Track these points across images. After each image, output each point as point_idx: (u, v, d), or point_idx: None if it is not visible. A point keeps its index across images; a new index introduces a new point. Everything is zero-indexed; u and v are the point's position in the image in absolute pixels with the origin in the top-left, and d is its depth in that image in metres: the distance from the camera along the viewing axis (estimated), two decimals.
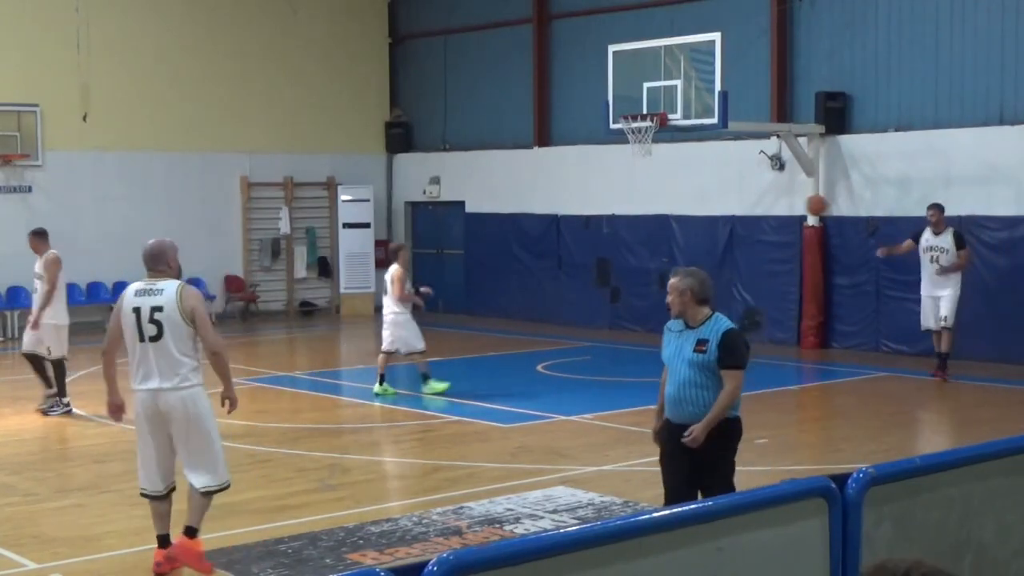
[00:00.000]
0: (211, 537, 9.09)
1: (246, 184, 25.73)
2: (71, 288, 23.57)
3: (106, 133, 23.91)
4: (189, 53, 24.98)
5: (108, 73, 23.92)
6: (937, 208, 16.40)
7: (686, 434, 7.51)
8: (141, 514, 9.86)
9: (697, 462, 7.57)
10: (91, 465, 11.77)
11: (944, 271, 16.14)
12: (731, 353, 7.57)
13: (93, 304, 24.04)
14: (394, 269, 15.95)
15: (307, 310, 26.30)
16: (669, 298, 7.69)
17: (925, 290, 16.47)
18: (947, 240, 16.25)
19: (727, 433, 7.67)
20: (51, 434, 13.33)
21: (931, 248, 16.32)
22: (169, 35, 24.76)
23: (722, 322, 7.69)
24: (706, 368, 7.54)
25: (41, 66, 23.32)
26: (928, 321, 16.52)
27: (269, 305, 26.16)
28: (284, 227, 26.08)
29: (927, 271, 16.41)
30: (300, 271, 26.40)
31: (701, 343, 7.56)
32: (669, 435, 7.77)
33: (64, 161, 23.54)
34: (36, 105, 23.27)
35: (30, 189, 23.38)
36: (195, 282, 24.94)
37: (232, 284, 25.61)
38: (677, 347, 7.70)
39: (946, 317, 16.12)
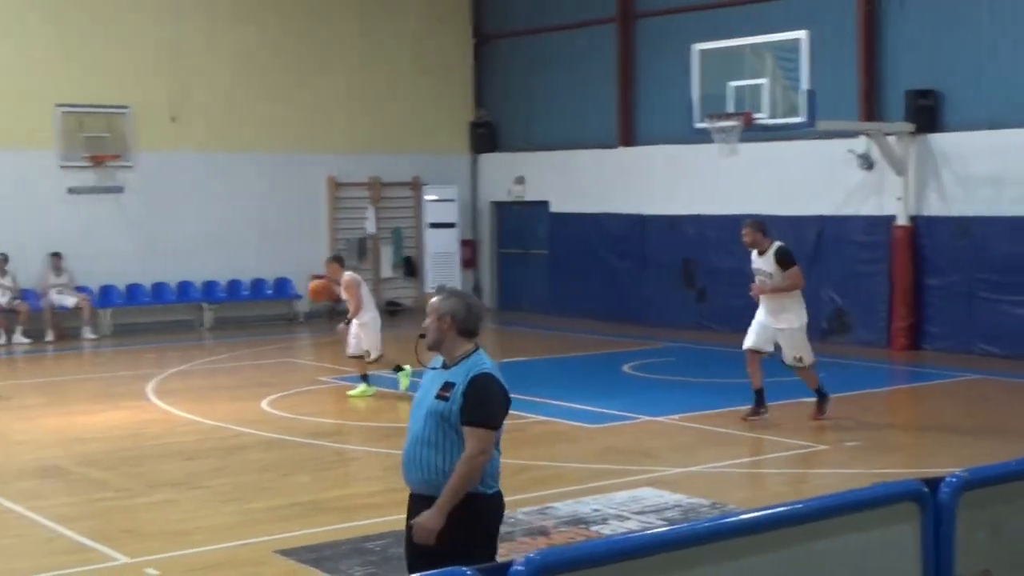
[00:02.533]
0: (299, 534, 9.18)
1: (333, 184, 25.93)
2: (161, 287, 23.99)
3: (195, 134, 24.23)
4: (277, 55, 25.24)
5: (197, 75, 24.23)
6: (752, 225, 13.57)
7: (412, 522, 5.71)
8: (231, 510, 10.01)
9: (429, 551, 5.60)
10: (182, 462, 11.93)
11: (768, 295, 13.32)
12: (476, 405, 5.64)
13: (183, 303, 24.36)
14: (347, 277, 15.75)
15: (393, 309, 26.43)
16: (425, 322, 5.95)
17: (760, 316, 13.54)
18: (769, 261, 13.33)
19: (470, 516, 5.68)
20: (143, 431, 13.53)
21: (756, 272, 13.51)
22: (257, 37, 25.02)
23: (479, 363, 5.77)
24: (445, 421, 5.68)
25: (132, 69, 23.68)
26: (752, 341, 13.53)
27: None
28: (370, 227, 26.25)
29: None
30: (386, 271, 26.55)
31: (447, 387, 5.72)
32: (410, 505, 5.90)
33: (154, 162, 23.88)
34: (127, 107, 23.63)
35: (122, 190, 23.74)
36: (282, 281, 25.28)
37: None
38: (425, 390, 5.90)
39: (799, 358, 13.39)
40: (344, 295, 15.81)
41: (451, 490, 5.59)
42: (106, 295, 23.54)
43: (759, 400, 13.54)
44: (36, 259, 22.57)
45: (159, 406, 15.11)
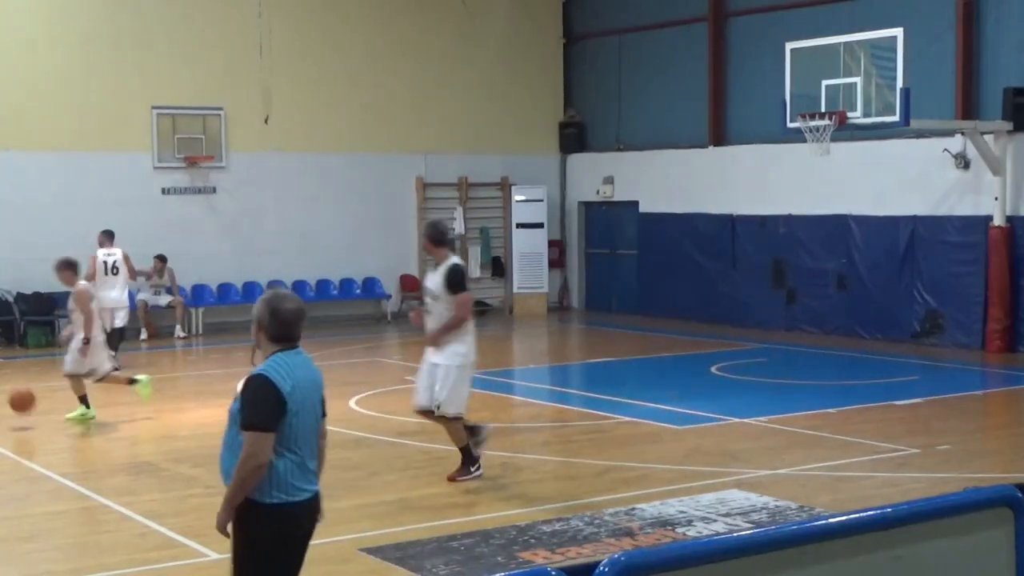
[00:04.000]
0: (385, 532, 9.22)
1: (421, 184, 26.05)
2: (252, 286, 24.25)
3: (286, 135, 24.48)
4: (366, 56, 25.41)
5: (289, 76, 24.47)
6: (429, 235, 10.84)
7: None
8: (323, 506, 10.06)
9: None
10: None
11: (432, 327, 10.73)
12: (244, 406, 5.61)
13: None
14: (82, 287, 14.29)
15: (480, 309, 26.48)
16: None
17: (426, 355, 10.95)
18: (439, 280, 10.61)
19: (245, 521, 5.65)
20: None
21: (425, 291, 11.09)
22: (347, 38, 25.22)
23: (263, 366, 5.73)
24: (235, 421, 5.67)
25: (225, 70, 23.99)
26: (419, 396, 10.88)
27: None
28: (458, 227, 26.33)
29: None
30: (474, 271, 26.62)
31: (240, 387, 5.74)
32: None
33: (246, 163, 24.17)
34: (220, 108, 23.94)
35: (214, 190, 24.05)
36: (371, 281, 25.45)
37: (407, 283, 25.94)
38: None
39: (441, 403, 10.64)
40: (73, 305, 14.17)
41: (227, 492, 5.60)
42: (198, 294, 23.86)
43: (465, 458, 10.93)
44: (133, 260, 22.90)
45: None
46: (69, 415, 14.23)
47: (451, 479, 10.83)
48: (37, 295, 21.89)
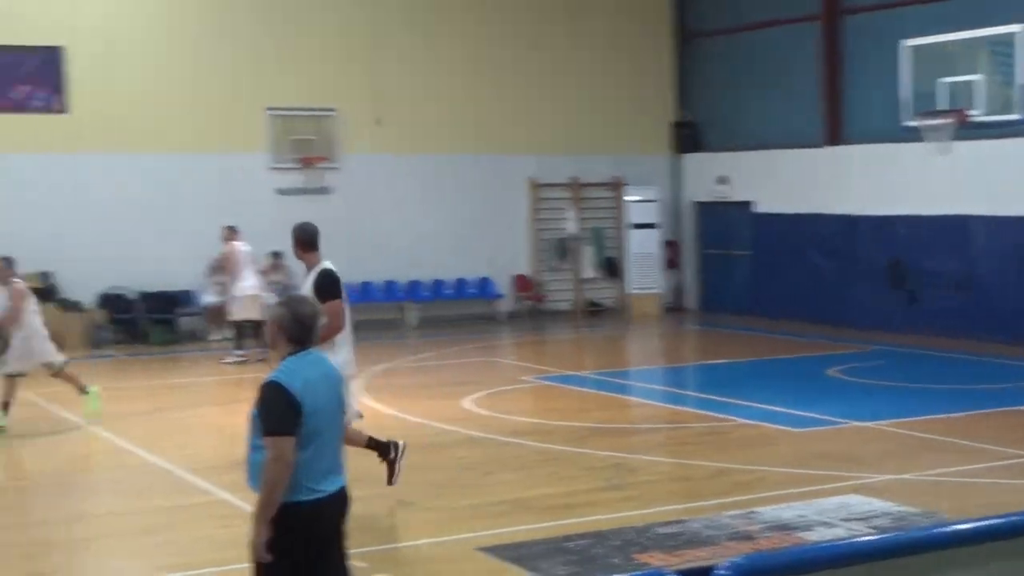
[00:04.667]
0: (500, 532, 9.24)
1: (533, 185, 26.09)
2: (367, 286, 24.49)
3: (399, 136, 24.69)
4: (478, 57, 25.51)
5: (400, 78, 24.69)
6: (298, 238, 10.50)
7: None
8: (435, 506, 10.15)
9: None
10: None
11: None
12: (260, 413, 5.74)
13: (388, 302, 24.84)
14: (20, 286, 14.14)
15: (594, 310, 26.45)
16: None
17: None
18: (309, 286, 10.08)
19: (277, 527, 5.70)
20: (359, 426, 13.82)
21: None
22: (457, 41, 25.35)
23: (275, 371, 5.82)
24: (255, 426, 5.82)
25: (339, 71, 24.27)
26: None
27: (557, 305, 26.45)
28: (571, 227, 26.31)
29: None
30: (587, 271, 26.58)
31: None
32: None
33: (360, 164, 24.42)
34: (333, 109, 24.22)
35: (329, 191, 24.33)
36: (484, 281, 25.54)
37: (520, 284, 26.01)
38: None
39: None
40: (8, 303, 13.89)
41: (259, 502, 5.68)
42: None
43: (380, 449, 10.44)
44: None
45: (365, 403, 15.41)
46: None
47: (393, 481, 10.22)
48: (158, 294, 22.43)
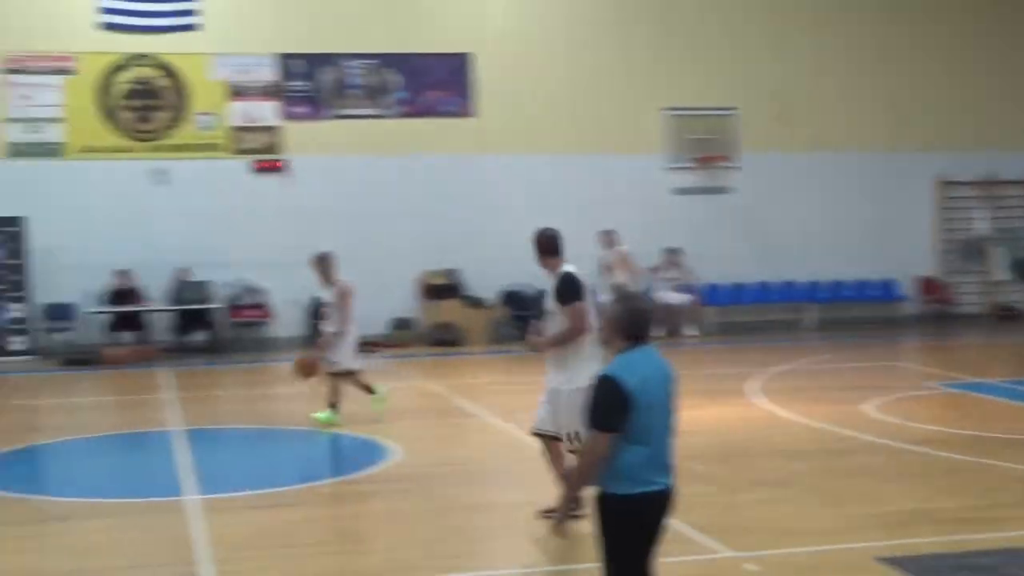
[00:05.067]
0: (900, 543, 8.88)
1: (940, 183, 25.01)
2: (765, 286, 24.21)
3: (799, 133, 24.30)
4: (881, 52, 24.81)
5: (801, 74, 24.26)
6: (539, 243, 9.70)
7: None
8: (831, 513, 9.88)
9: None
10: (783, 461, 11.92)
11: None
12: (587, 406, 5.85)
13: (787, 303, 24.49)
14: (344, 284, 14.19)
15: (1007, 314, 25.07)
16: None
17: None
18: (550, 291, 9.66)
19: (600, 512, 5.88)
20: (746, 428, 13.68)
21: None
22: (858, 33, 24.69)
23: (610, 365, 5.88)
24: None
25: (738, 70, 24.10)
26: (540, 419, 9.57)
27: (965, 308, 25.27)
28: (981, 228, 25.06)
29: None
30: (999, 273, 25.24)
31: None
32: None
33: (759, 162, 24.18)
34: (734, 108, 24.07)
35: (727, 191, 24.21)
36: (888, 283, 24.72)
37: (927, 286, 25.01)
38: None
39: (573, 434, 9.04)
40: (335, 301, 14.13)
41: (570, 482, 6.07)
42: (711, 294, 24.09)
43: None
44: (642, 259, 23.49)
45: (762, 404, 15.22)
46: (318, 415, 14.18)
47: (543, 513, 9.47)
48: (513, 293, 23.07)
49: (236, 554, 8.92)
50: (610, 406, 5.72)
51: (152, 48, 22.70)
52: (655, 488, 5.85)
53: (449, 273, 23.41)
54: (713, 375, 18.19)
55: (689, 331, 23.17)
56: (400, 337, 23.16)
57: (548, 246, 9.63)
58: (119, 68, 22.77)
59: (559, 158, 23.57)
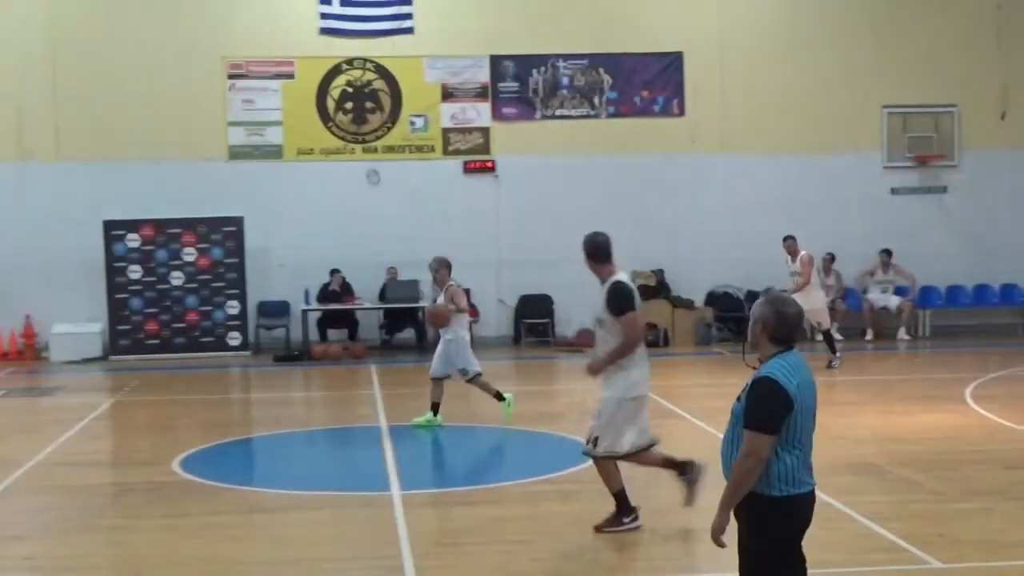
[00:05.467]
0: None
1: None
2: (983, 289, 23.38)
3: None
4: None
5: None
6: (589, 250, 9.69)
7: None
8: None
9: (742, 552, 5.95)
10: (1000, 470, 11.44)
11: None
12: (750, 408, 5.72)
13: (1006, 306, 23.62)
14: (455, 288, 14.04)
15: None
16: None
17: None
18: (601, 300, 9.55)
19: (755, 514, 5.80)
20: (960, 435, 13.19)
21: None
22: None
23: (769, 367, 5.78)
24: (739, 421, 5.83)
25: (960, 66, 23.32)
26: None
27: None
28: None
29: None
30: None
31: (744, 389, 5.87)
32: None
33: (980, 161, 23.39)
34: (954, 105, 23.31)
35: (945, 190, 23.49)
36: None
37: None
38: None
39: (594, 440, 9.25)
40: (446, 304, 13.95)
41: (724, 493, 5.81)
42: (926, 296, 23.39)
43: (621, 507, 9.45)
44: (856, 260, 22.96)
45: (977, 411, 14.66)
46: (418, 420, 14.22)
47: (598, 529, 9.31)
48: (720, 294, 22.74)
49: (436, 549, 9.00)
50: (773, 408, 5.71)
51: (367, 52, 23.20)
52: (807, 489, 5.86)
53: (656, 273, 23.26)
54: (927, 380, 17.63)
55: (902, 335, 22.51)
56: None
57: (600, 252, 9.41)
58: (335, 72, 23.34)
59: (769, 157, 23.21)
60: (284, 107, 23.16)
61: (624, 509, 9.33)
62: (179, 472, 11.91)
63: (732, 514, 5.86)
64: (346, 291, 22.63)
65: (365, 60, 23.29)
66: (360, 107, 23.42)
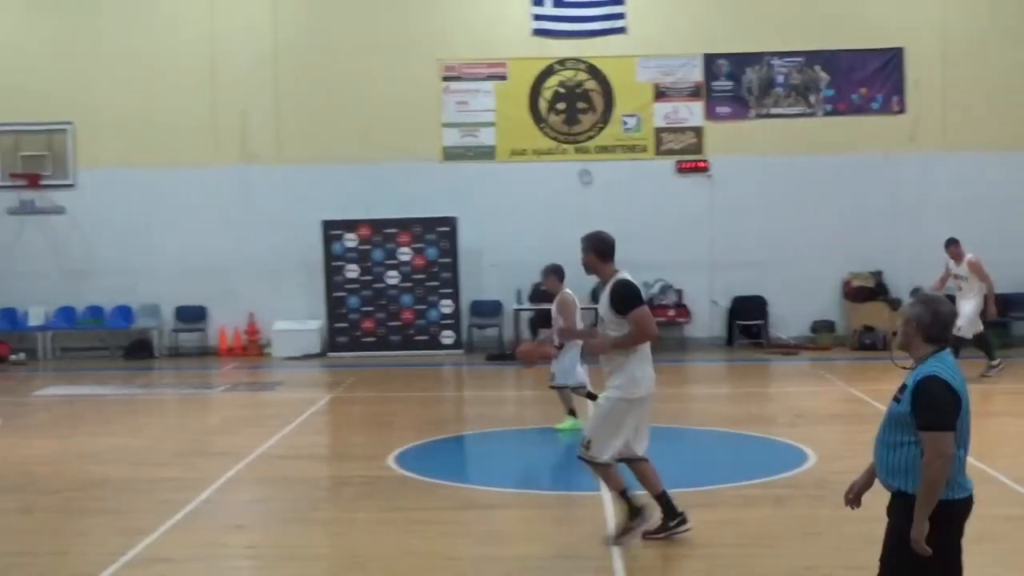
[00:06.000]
0: None
1: None
2: None
3: None
4: None
5: None
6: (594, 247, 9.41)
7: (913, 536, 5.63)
8: None
9: (888, 539, 5.90)
10: None
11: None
12: (923, 409, 5.62)
13: None
14: (567, 297, 13.67)
15: None
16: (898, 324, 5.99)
17: None
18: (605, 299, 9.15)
19: (941, 523, 5.63)
20: None
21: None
22: None
23: (931, 366, 5.70)
24: (898, 422, 5.75)
25: None
26: None
27: None
28: None
29: None
30: None
31: (901, 389, 5.79)
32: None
33: None
34: None
35: None
36: None
37: None
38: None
39: (587, 442, 8.95)
40: (557, 314, 13.64)
41: (919, 499, 5.60)
42: None
43: (666, 510, 9.16)
44: None
45: None
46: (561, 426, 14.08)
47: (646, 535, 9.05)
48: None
49: (645, 551, 8.93)
50: (948, 405, 5.66)
51: (579, 52, 23.24)
52: (964, 495, 5.78)
53: (874, 275, 22.68)
54: None
55: None
56: (822, 339, 22.67)
57: (604, 251, 9.27)
58: (548, 73, 23.45)
59: (997, 155, 22.40)
60: (497, 108, 23.39)
61: (670, 512, 9.14)
62: (394, 467, 12.11)
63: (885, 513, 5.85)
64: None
65: (577, 60, 23.35)
66: (572, 107, 23.49)
